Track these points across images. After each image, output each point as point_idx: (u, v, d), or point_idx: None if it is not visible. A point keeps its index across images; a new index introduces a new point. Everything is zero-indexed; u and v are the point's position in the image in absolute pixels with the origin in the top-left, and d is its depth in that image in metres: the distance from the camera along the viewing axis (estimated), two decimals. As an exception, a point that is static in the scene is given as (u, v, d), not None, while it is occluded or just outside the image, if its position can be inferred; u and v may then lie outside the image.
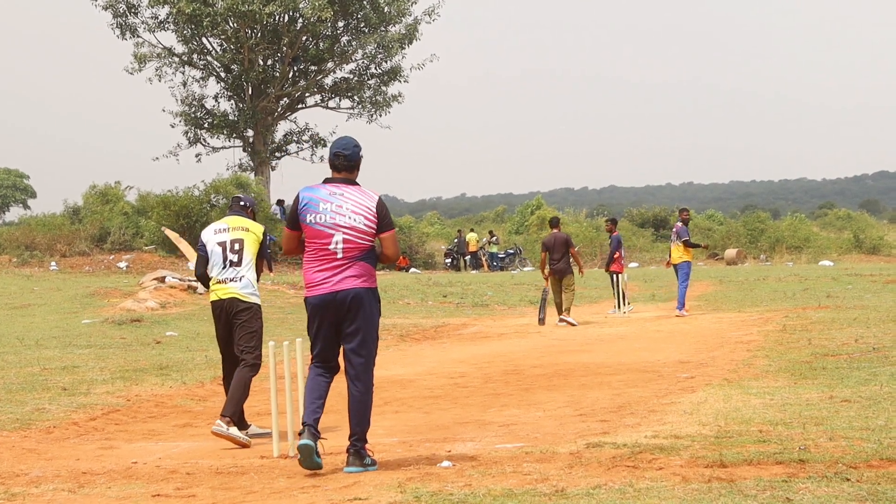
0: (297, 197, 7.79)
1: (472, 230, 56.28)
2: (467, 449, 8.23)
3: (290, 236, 7.88)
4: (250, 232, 9.59)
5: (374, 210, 7.65)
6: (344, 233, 7.58)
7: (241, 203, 9.97)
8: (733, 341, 16.03)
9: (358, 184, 7.80)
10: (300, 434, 7.53)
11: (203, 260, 9.61)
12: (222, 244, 9.50)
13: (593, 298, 29.57)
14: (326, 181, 7.78)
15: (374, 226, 7.64)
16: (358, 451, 7.55)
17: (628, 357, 14.76)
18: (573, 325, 20.77)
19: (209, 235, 9.63)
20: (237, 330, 9.42)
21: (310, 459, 7.40)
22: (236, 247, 9.48)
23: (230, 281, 9.43)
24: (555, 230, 22.12)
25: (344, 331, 7.66)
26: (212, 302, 9.56)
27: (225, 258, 9.47)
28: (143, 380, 13.11)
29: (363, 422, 7.65)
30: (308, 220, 7.66)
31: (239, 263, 9.45)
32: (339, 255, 7.60)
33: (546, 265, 21.74)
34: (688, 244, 22.66)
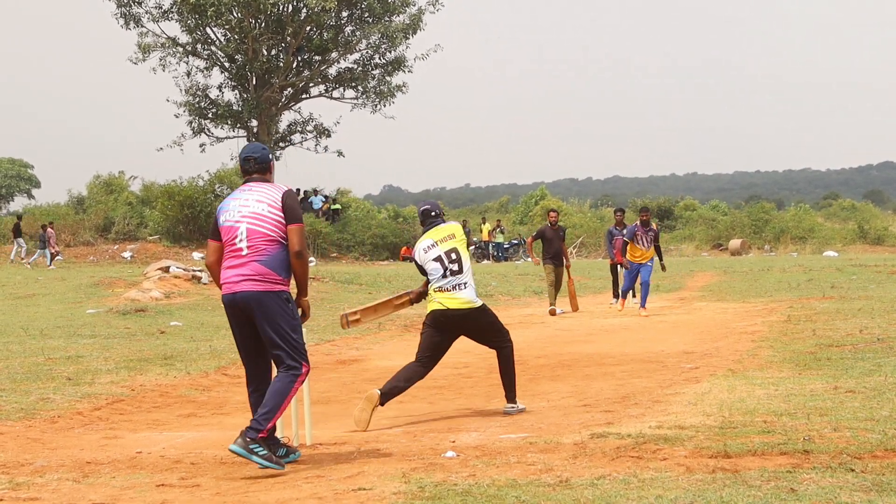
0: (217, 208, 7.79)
1: (483, 220, 56.30)
2: (471, 439, 8.23)
3: (211, 246, 7.76)
4: (456, 238, 9.74)
5: (280, 199, 7.54)
6: (247, 222, 7.51)
7: (433, 213, 9.91)
8: (738, 332, 16.02)
9: (270, 181, 7.78)
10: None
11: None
12: (440, 258, 9.60)
13: (597, 289, 29.56)
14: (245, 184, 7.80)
15: (280, 214, 7.49)
16: (247, 432, 7.26)
17: (632, 347, 14.76)
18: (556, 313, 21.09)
19: (419, 254, 9.71)
20: (475, 332, 9.80)
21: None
22: (453, 256, 9.60)
23: (455, 288, 9.56)
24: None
25: (261, 335, 7.55)
26: (435, 311, 9.61)
27: (446, 269, 9.57)
28: (148, 370, 13.12)
29: (268, 405, 7.37)
30: (221, 221, 7.64)
31: (461, 271, 9.60)
32: (245, 251, 7.48)
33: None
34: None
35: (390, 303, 10.11)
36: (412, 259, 9.89)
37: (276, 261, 7.49)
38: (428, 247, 9.67)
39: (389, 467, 7.13)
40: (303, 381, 7.63)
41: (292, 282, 7.68)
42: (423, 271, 9.68)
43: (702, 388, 10.28)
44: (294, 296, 7.74)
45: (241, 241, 7.50)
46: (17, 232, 43.43)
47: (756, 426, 7.96)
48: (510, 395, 9.80)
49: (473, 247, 52.82)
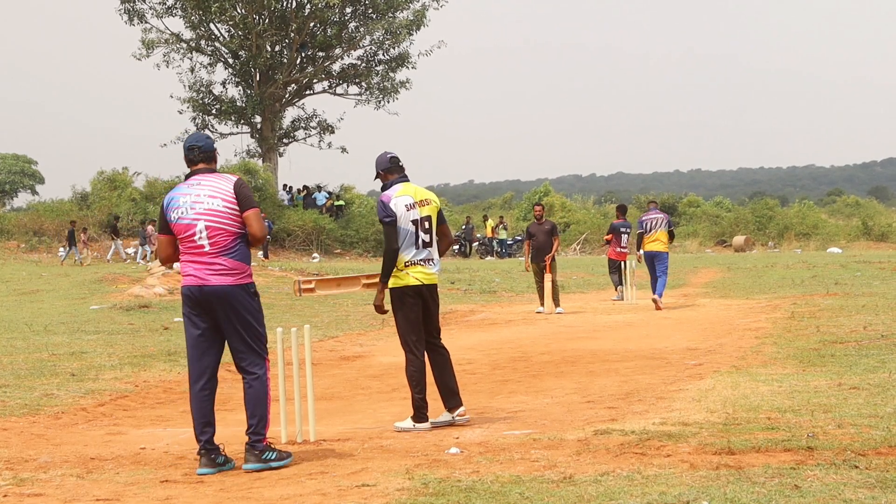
0: (163, 201, 7.64)
1: (485, 217, 56.27)
2: (475, 436, 8.23)
3: (163, 241, 7.62)
4: (432, 205, 9.00)
5: (233, 190, 7.43)
6: (205, 219, 7.39)
7: (400, 163, 9.10)
8: (741, 328, 16.01)
9: (216, 171, 7.67)
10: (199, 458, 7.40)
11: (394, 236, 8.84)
12: (416, 222, 8.86)
13: (601, 286, 29.54)
14: (187, 177, 7.65)
15: (235, 207, 7.40)
16: (253, 446, 7.35)
17: (636, 344, 14.75)
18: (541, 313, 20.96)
19: (400, 209, 8.84)
20: (433, 314, 9.06)
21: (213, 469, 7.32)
22: (426, 225, 8.91)
23: (427, 262, 8.93)
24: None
25: (223, 329, 7.49)
26: (410, 287, 8.86)
27: (418, 237, 8.88)
28: (152, 366, 13.12)
29: (256, 414, 7.42)
30: (173, 218, 7.48)
31: (431, 243, 8.95)
32: (207, 248, 7.38)
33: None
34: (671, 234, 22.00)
35: (357, 280, 9.36)
36: (386, 215, 8.77)
37: (241, 254, 7.43)
38: (409, 205, 8.87)
39: (393, 463, 7.13)
40: (270, 376, 7.60)
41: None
42: (392, 232, 8.80)
43: (705, 384, 10.27)
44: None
45: (200, 238, 7.39)
46: (116, 232, 43.73)
47: (760, 423, 7.96)
48: (456, 401, 9.04)
49: (477, 243, 52.85)
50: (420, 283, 8.85)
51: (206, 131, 53.73)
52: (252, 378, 7.49)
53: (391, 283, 8.83)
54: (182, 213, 7.43)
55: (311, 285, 8.94)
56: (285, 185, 52.51)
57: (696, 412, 8.63)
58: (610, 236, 24.88)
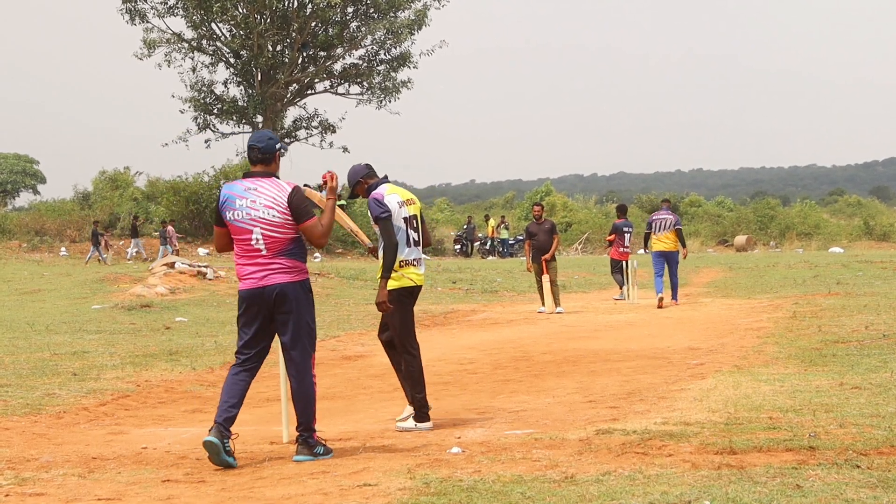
0: (219, 194, 7.78)
1: (487, 217, 56.23)
2: (477, 435, 8.23)
3: (218, 233, 7.80)
4: (417, 205, 9.02)
5: (286, 202, 7.54)
6: (262, 228, 7.52)
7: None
8: (743, 328, 16.00)
9: (275, 176, 7.73)
10: (209, 430, 7.48)
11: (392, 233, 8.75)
12: (406, 220, 8.86)
13: (602, 285, 29.54)
14: (245, 176, 7.74)
15: (290, 218, 7.53)
16: (306, 441, 7.57)
17: (638, 344, 14.74)
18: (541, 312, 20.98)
19: (394, 206, 8.80)
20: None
21: (217, 457, 7.34)
22: (414, 223, 8.91)
23: (418, 262, 8.93)
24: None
25: (277, 325, 7.64)
26: (406, 288, 8.85)
27: (409, 236, 8.87)
28: (153, 365, 13.13)
29: (306, 411, 7.61)
30: (228, 218, 7.63)
31: (419, 242, 8.96)
32: (264, 252, 7.55)
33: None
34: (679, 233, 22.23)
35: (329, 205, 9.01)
36: (382, 210, 8.69)
37: (296, 252, 7.62)
38: (400, 202, 8.88)
39: (395, 463, 7.13)
40: (314, 371, 7.75)
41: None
42: (390, 227, 8.72)
43: (707, 384, 10.27)
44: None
45: (257, 243, 7.54)
46: (136, 232, 43.81)
47: (762, 422, 7.95)
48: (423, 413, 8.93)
49: (479, 242, 52.85)
50: (415, 284, 8.87)
51: (208, 130, 53.80)
52: (301, 378, 7.66)
53: (390, 284, 8.77)
54: (238, 216, 7.58)
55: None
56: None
57: (697, 412, 8.63)
58: (612, 236, 24.93)
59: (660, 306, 20.80)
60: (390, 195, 8.83)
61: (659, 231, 21.81)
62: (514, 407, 9.78)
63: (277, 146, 7.79)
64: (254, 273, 7.56)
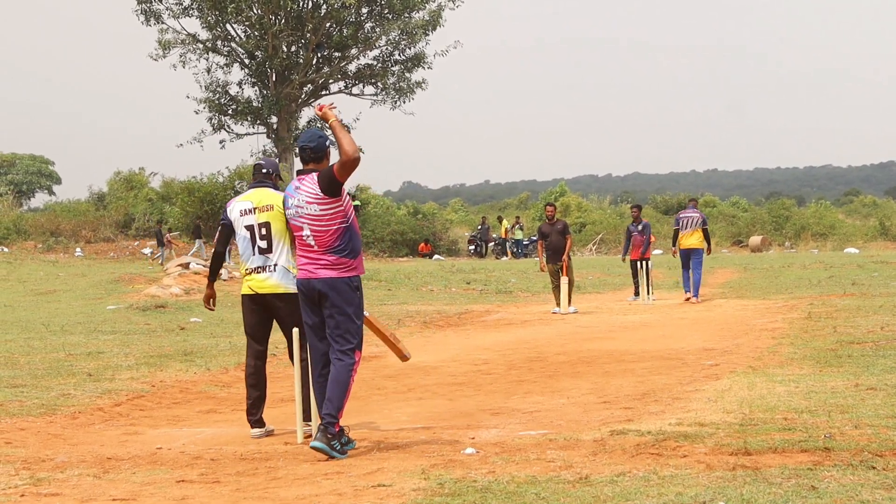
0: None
1: (500, 219, 56.22)
2: (491, 436, 8.23)
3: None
4: (276, 210, 8.68)
5: (318, 187, 7.74)
6: (309, 225, 7.79)
7: (264, 170, 9.00)
8: (758, 329, 15.97)
9: (316, 171, 7.89)
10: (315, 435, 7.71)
11: (224, 237, 9.00)
12: (250, 228, 8.78)
13: (617, 286, 29.52)
14: (298, 174, 8.02)
15: (327, 202, 7.71)
16: (325, 428, 7.60)
17: (652, 344, 14.72)
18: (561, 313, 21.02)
19: (235, 215, 8.86)
20: (283, 322, 8.93)
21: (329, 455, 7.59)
22: (263, 231, 8.73)
23: (265, 270, 8.77)
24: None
25: (325, 317, 7.84)
26: (245, 295, 8.85)
27: (253, 244, 8.76)
28: (168, 366, 13.16)
29: (335, 399, 7.66)
30: (287, 214, 8.01)
31: (270, 250, 8.73)
32: (315, 247, 7.81)
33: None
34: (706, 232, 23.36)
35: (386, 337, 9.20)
36: (223, 219, 8.91)
37: (345, 248, 7.79)
38: (245, 210, 8.80)
39: (409, 464, 7.13)
40: (357, 369, 7.86)
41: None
42: (226, 238, 8.96)
43: (722, 385, 10.25)
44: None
45: (308, 237, 7.80)
46: (199, 233, 44.23)
47: (776, 423, 7.94)
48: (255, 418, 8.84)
49: (493, 243, 52.83)
50: (253, 293, 8.82)
51: (223, 131, 53.87)
52: (339, 362, 7.78)
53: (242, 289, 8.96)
54: (291, 212, 7.89)
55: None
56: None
57: (712, 413, 8.62)
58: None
59: (689, 301, 21.71)
60: (239, 202, 8.87)
61: (686, 228, 22.66)
62: (529, 408, 9.78)
63: (328, 143, 8.01)
64: (307, 264, 7.85)
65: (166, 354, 14.22)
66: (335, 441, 7.58)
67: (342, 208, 7.76)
